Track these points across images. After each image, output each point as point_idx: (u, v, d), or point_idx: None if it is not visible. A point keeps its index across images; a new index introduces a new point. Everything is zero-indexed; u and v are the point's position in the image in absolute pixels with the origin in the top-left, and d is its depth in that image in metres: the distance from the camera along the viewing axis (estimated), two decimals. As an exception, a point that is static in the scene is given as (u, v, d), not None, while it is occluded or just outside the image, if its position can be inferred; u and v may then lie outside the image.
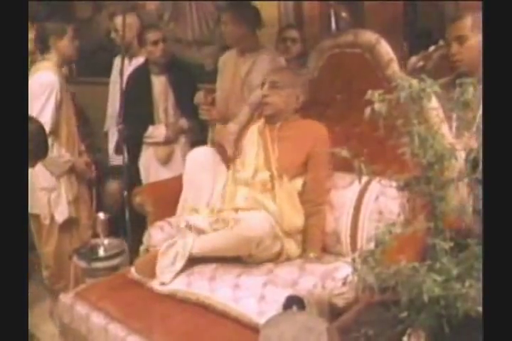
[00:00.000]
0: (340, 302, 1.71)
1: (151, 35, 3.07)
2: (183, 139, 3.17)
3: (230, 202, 2.28)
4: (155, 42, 3.05)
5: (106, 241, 2.47)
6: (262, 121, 2.43)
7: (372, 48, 2.35)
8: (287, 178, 2.25)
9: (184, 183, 2.39)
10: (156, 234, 2.37)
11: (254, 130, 2.43)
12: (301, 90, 2.37)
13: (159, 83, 3.16)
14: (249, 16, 2.81)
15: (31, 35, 3.00)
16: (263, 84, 2.36)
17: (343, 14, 2.89)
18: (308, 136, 2.30)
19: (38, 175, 2.77)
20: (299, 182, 2.28)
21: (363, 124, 2.25)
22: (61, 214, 2.85)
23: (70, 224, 2.91)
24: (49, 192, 2.83)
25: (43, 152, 2.21)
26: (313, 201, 2.24)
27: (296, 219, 2.20)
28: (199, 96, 2.98)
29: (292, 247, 2.20)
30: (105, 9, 4.06)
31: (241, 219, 2.11)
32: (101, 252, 2.68)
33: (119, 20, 3.29)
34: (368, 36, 2.37)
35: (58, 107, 2.72)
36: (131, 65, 3.18)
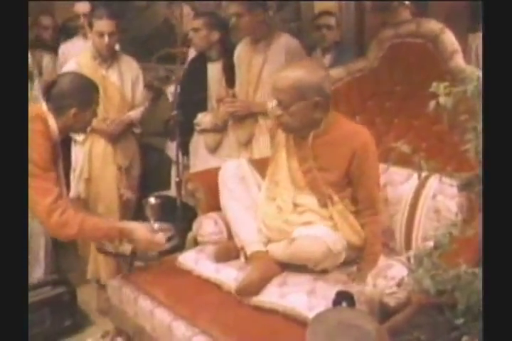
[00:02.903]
0: (391, 301, 1.65)
1: (193, 23, 3.06)
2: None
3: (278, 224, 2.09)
4: (196, 30, 3.03)
5: (156, 226, 2.48)
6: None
7: (436, 38, 2.25)
8: (337, 196, 2.04)
9: (223, 195, 2.26)
10: (207, 226, 2.36)
11: (282, 139, 2.19)
12: (318, 97, 2.00)
13: (213, 70, 3.14)
14: (259, 3, 2.76)
15: None
16: (273, 100, 2.11)
17: (406, 2, 2.78)
18: (347, 146, 2.04)
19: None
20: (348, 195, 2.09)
21: (423, 117, 2.20)
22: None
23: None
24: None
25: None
26: (363, 212, 2.06)
27: (354, 239, 2.03)
28: (220, 92, 2.97)
29: None
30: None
31: (297, 238, 1.97)
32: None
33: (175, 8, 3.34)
34: (432, 26, 2.28)
35: None
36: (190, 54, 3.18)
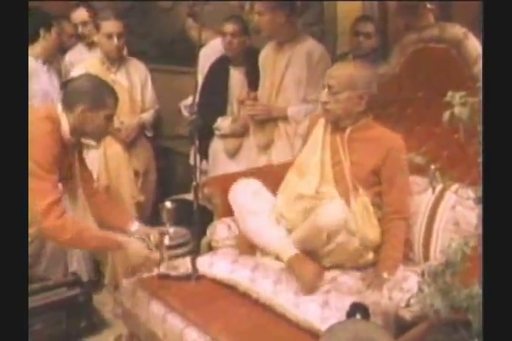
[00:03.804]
0: (407, 315, 1.60)
1: (226, 27, 3.03)
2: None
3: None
4: (231, 34, 3.01)
5: (171, 230, 2.46)
6: (325, 122, 2.23)
7: (459, 44, 2.21)
8: (362, 190, 2.06)
9: (239, 213, 2.25)
10: (221, 231, 2.35)
11: (319, 132, 2.23)
12: (365, 90, 2.10)
13: (235, 75, 3.13)
14: (285, 4, 2.72)
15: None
16: (323, 88, 2.18)
17: (429, 6, 2.73)
18: (381, 147, 2.09)
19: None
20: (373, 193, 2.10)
21: (444, 125, 2.14)
22: None
23: None
24: None
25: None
26: (389, 215, 2.06)
27: (369, 233, 2.02)
28: (242, 93, 2.94)
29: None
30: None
31: (316, 206, 1.98)
32: (166, 241, 2.68)
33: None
34: (456, 30, 2.24)
35: None
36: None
